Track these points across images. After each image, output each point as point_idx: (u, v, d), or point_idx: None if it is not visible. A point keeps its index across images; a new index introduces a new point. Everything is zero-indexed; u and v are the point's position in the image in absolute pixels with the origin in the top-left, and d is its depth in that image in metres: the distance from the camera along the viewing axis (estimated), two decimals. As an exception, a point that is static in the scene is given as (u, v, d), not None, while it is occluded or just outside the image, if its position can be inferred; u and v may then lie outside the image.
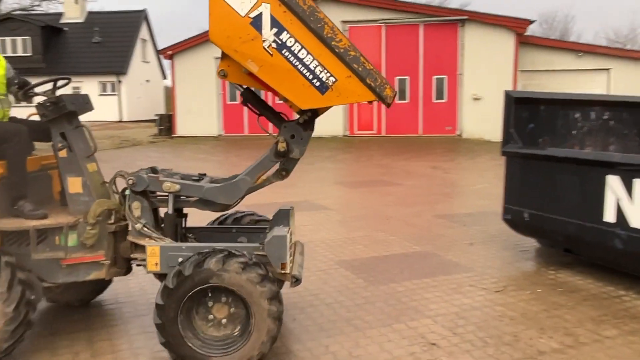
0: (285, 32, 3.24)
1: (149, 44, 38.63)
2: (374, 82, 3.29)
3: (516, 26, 20.06)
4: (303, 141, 3.80)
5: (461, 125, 20.87)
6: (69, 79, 4.28)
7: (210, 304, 3.58)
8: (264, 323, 3.45)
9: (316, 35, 3.24)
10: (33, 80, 4.26)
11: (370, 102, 3.62)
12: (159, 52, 36.43)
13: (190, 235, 4.31)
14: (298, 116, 3.76)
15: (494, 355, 3.88)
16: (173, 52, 23.13)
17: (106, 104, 32.89)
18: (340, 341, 4.12)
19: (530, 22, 20.42)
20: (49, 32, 33.57)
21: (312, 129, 3.80)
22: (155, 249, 3.68)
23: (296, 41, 3.26)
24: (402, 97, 21.39)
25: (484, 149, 17.13)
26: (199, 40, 22.25)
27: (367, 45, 21.23)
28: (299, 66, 3.29)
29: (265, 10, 3.22)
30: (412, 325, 4.40)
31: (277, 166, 3.95)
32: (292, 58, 3.28)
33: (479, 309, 4.70)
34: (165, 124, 23.97)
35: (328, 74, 3.30)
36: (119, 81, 33.42)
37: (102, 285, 4.72)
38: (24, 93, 4.19)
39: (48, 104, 3.87)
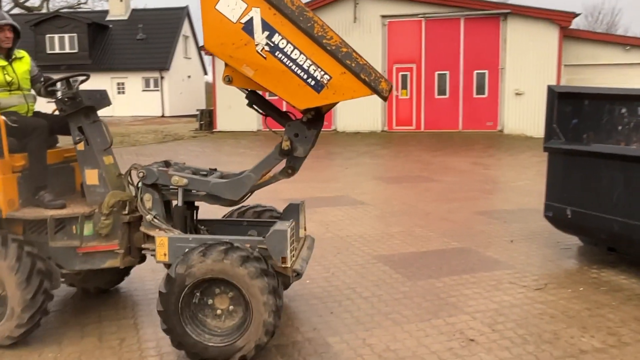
0: (276, 34, 3.26)
1: (191, 40, 39.24)
2: (368, 76, 3.27)
3: (560, 19, 19.57)
4: (307, 140, 3.83)
5: (502, 121, 20.51)
6: (88, 76, 4.50)
7: (211, 295, 3.65)
8: (261, 316, 3.50)
9: (307, 34, 3.25)
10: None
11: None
12: (200, 49, 37.02)
13: (203, 227, 4.43)
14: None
15: (533, 353, 3.84)
16: (214, 48, 23.37)
17: (149, 100, 33.60)
18: (377, 334, 4.15)
19: (575, 15, 19.88)
20: (95, 30, 34.46)
21: (316, 128, 3.82)
22: (163, 240, 3.80)
23: (288, 42, 3.29)
24: (442, 92, 21.15)
25: (526, 145, 16.81)
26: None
27: (406, 40, 21.09)
28: (293, 67, 3.31)
29: (256, 15, 3.25)
30: (450, 321, 4.39)
31: (284, 164, 4.00)
32: (285, 59, 3.30)
33: (519, 307, 4.65)
34: (206, 119, 24.31)
35: (322, 72, 3.30)
36: (162, 77, 34.04)
37: (126, 271, 4.93)
38: (45, 89, 4.38)
39: (66, 99, 4.06)
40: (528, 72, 19.84)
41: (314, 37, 3.24)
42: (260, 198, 4.63)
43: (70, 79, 4.21)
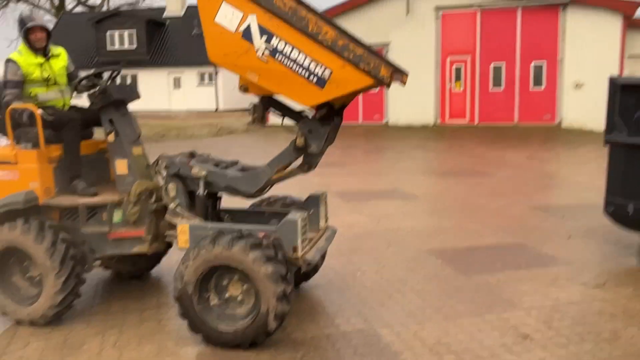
0: (274, 37, 3.34)
1: (244, 35, 39.67)
2: (367, 65, 3.26)
3: (624, 8, 18.73)
4: (320, 136, 3.87)
5: (561, 114, 19.83)
6: (119, 70, 4.69)
7: (225, 282, 3.80)
8: (270, 303, 3.60)
9: (303, 33, 3.28)
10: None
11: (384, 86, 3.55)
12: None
13: (227, 216, 4.58)
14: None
15: (591, 352, 3.74)
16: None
17: (204, 94, 34.25)
18: (428, 328, 4.14)
19: (640, 3, 18.99)
20: (153, 26, 35.35)
21: (329, 124, 3.84)
22: (185, 227, 3.97)
23: (286, 43, 3.34)
24: (497, 84, 20.64)
25: (585, 139, 16.23)
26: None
27: (460, 32, 20.67)
28: (294, 66, 3.35)
29: (253, 22, 3.32)
30: (504, 316, 4.32)
31: (301, 160, 4.07)
32: (285, 60, 3.35)
33: (577, 304, 4.53)
34: (259, 113, 24.56)
35: (323, 68, 3.33)
36: (216, 72, 34.61)
37: (157, 259, 5.20)
38: (78, 84, 4.57)
39: (97, 93, 4.28)
40: (588, 63, 19.09)
41: (309, 35, 3.29)
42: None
43: (102, 73, 4.46)
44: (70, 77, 4.80)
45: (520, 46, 20.27)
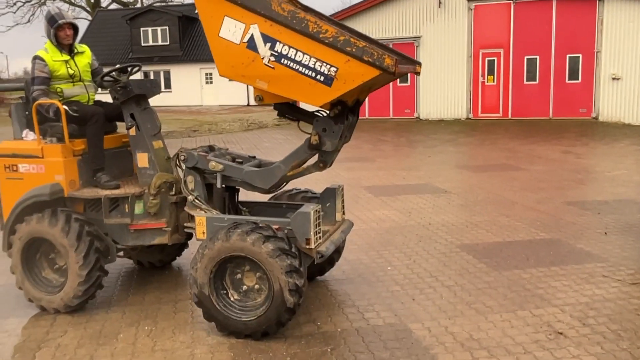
0: (278, 43, 3.38)
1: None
2: (371, 57, 3.25)
3: (665, -2, 18.14)
4: (335, 134, 3.88)
5: (597, 107, 19.36)
6: (139, 66, 4.78)
7: (239, 273, 3.88)
8: (282, 294, 3.67)
9: (304, 34, 3.31)
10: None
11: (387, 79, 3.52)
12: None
13: (245, 209, 4.66)
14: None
15: (628, 350, 3.66)
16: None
17: (235, 89, 34.43)
18: (460, 323, 4.11)
19: (683, -8, 18.35)
20: (185, 22, 35.76)
21: (343, 122, 3.84)
22: (202, 219, 4.07)
23: (290, 47, 3.37)
24: (532, 77, 20.25)
25: (623, 133, 15.81)
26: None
27: (493, 24, 20.33)
28: (300, 68, 3.39)
29: (255, 31, 3.39)
30: (537, 312, 4.26)
31: (317, 157, 4.09)
32: (291, 64, 3.38)
33: (612, 301, 4.43)
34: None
35: (328, 66, 3.34)
36: (247, 67, 34.88)
37: (178, 251, 5.37)
38: (101, 80, 4.65)
39: (118, 88, 4.38)
40: (627, 55, 18.57)
41: (311, 35, 3.32)
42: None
43: (123, 70, 4.54)
44: (94, 73, 4.92)
45: (555, 38, 19.83)
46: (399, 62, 3.34)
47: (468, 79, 20.82)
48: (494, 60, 20.66)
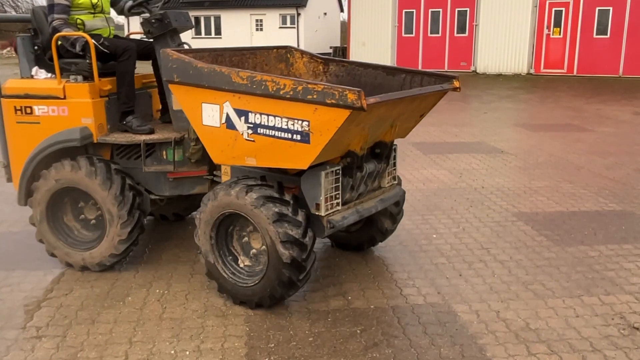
0: (250, 114, 3.23)
1: (328, -24, 38.45)
2: (333, 97, 2.92)
3: None
4: (344, 187, 3.54)
5: (674, 66, 17.75)
6: None
7: (245, 234, 3.55)
8: (268, 231, 3.24)
9: (267, 96, 3.11)
10: None
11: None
12: (337, -16, 36.17)
13: None
14: None
15: None
16: (350, -18, 22.65)
17: (285, 36, 33.71)
18: (514, 308, 3.52)
19: None
20: (237, -34, 34.91)
21: (352, 176, 3.52)
22: (227, 169, 3.84)
23: (261, 114, 3.19)
24: (603, 31, 18.69)
25: None
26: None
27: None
28: (277, 133, 3.16)
29: (228, 108, 3.28)
30: (607, 300, 3.62)
31: None
32: (267, 131, 3.20)
33: (700, 291, 3.74)
34: (339, 56, 23.90)
35: (300, 121, 3.07)
36: (298, 14, 33.89)
37: (195, 202, 4.82)
38: (130, 9, 4.19)
39: (153, 20, 3.86)
40: None
41: (273, 95, 3.09)
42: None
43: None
44: (113, 3, 4.40)
45: (633, -12, 18.12)
46: (364, 96, 2.86)
47: (532, 31, 19.41)
48: (561, 10, 19.13)
